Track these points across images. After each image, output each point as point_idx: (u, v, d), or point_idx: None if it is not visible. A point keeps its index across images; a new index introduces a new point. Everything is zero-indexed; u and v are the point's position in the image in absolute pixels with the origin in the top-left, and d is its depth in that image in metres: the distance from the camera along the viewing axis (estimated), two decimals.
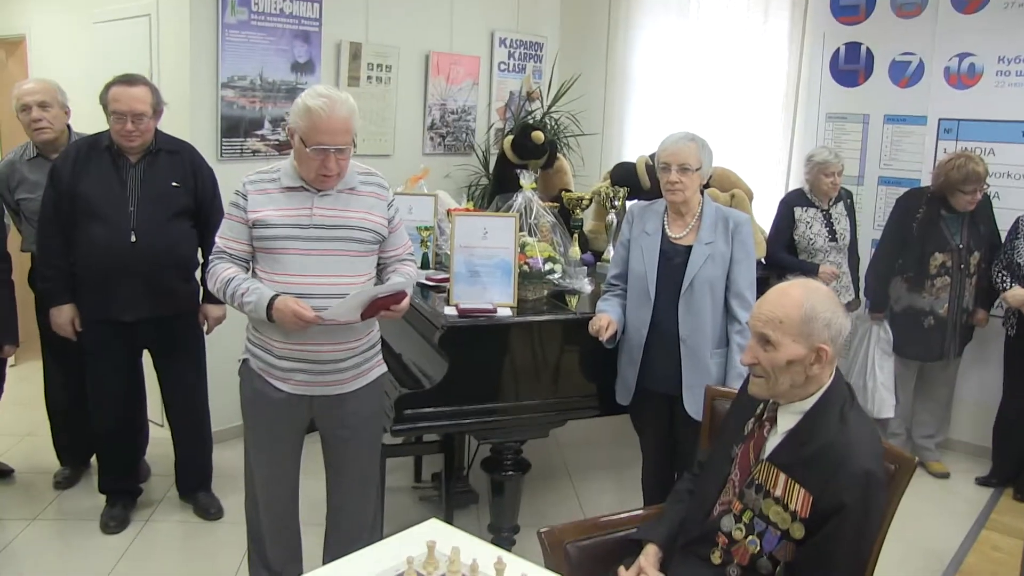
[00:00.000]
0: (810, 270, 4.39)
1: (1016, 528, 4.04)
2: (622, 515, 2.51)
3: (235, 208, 2.63)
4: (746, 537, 2.01)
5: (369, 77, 4.94)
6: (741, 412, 2.21)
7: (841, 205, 4.54)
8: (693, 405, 3.04)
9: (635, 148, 5.68)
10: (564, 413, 3.31)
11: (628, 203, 4.07)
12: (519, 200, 3.49)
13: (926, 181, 4.75)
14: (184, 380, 3.70)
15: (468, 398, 3.12)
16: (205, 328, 3.71)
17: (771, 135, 5.26)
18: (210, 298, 3.63)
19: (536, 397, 3.22)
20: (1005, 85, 4.65)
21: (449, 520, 3.58)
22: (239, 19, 4.23)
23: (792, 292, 2.04)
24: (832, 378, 2.04)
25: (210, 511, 3.81)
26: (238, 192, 2.64)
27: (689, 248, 3.07)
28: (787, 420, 2.05)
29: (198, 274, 3.59)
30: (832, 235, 4.45)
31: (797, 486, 1.95)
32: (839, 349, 2.03)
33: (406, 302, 2.63)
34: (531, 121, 5.64)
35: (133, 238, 3.34)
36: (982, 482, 4.47)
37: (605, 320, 3.08)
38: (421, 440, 3.96)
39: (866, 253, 4.83)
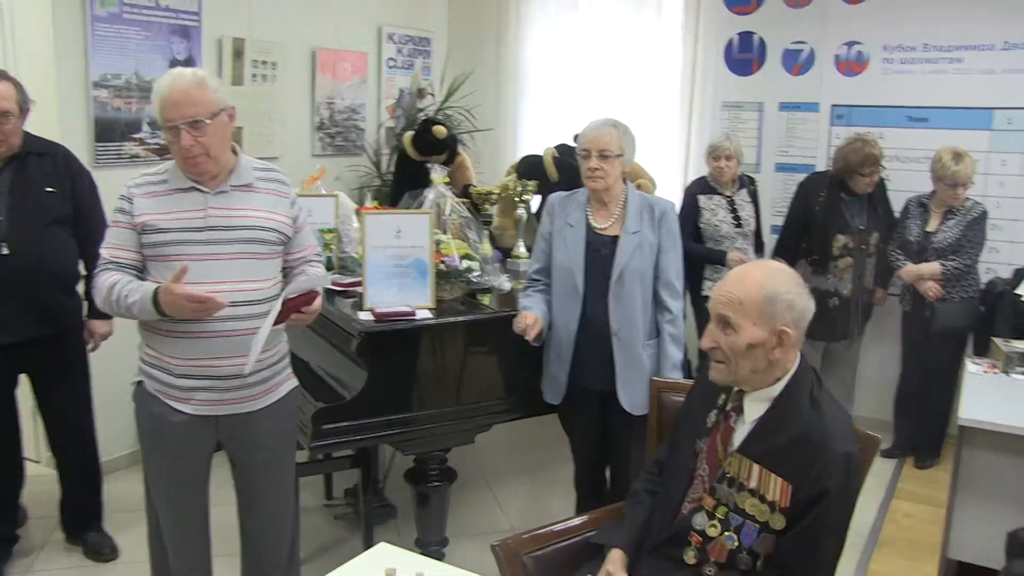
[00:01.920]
0: (718, 257, 4.40)
1: (922, 494, 4.18)
2: (575, 521, 2.37)
3: (120, 214, 2.37)
4: (722, 533, 1.90)
5: (254, 75, 4.65)
6: (701, 404, 2.10)
7: (744, 192, 4.55)
8: (629, 400, 2.94)
9: (530, 142, 5.60)
10: (491, 417, 3.15)
11: (538, 196, 3.97)
12: (430, 196, 3.31)
13: (822, 166, 4.86)
14: (70, 407, 3.34)
15: (390, 407, 2.92)
16: (90, 346, 3.37)
17: (669, 125, 5.24)
18: (95, 313, 3.31)
19: (461, 402, 3.06)
20: (891, 72, 4.79)
21: (369, 537, 3.38)
22: (109, 11, 3.89)
23: (753, 273, 1.95)
24: (798, 363, 1.96)
25: (103, 551, 3.45)
26: (123, 197, 2.37)
27: (615, 238, 2.96)
28: (755, 409, 1.95)
29: (80, 288, 3.26)
30: (737, 221, 4.45)
31: (773, 476, 1.85)
32: (802, 333, 1.94)
33: (318, 302, 2.42)
34: (423, 119, 5.46)
35: (5, 250, 3.00)
36: (886, 454, 4.56)
37: (531, 318, 2.93)
38: (331, 456, 3.72)
39: (767, 239, 4.85)
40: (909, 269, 4.33)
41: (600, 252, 2.97)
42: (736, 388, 2.00)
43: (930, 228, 4.33)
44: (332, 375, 3.15)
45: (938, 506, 3.93)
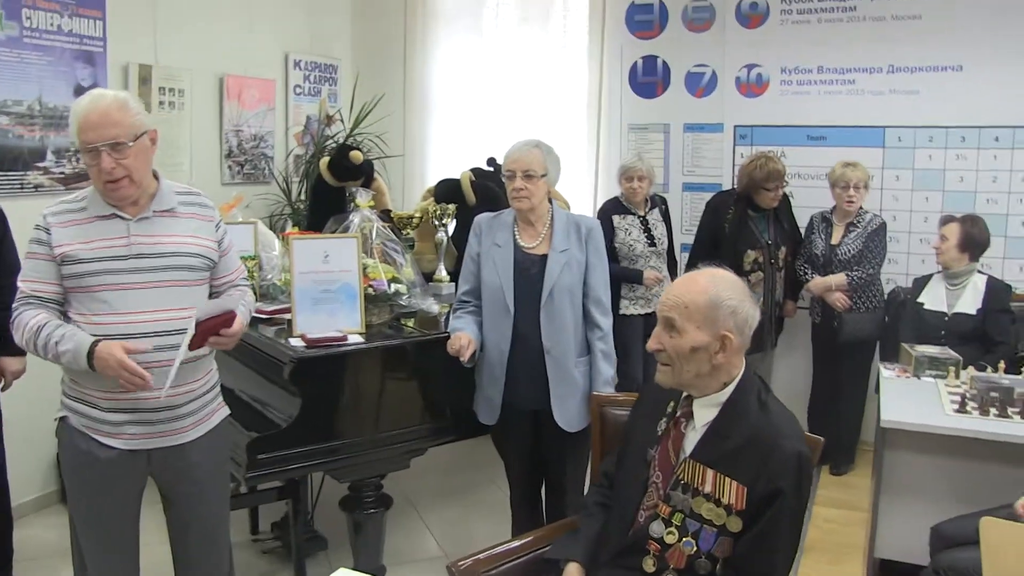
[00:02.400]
0: (634, 276, 4.48)
1: (840, 499, 4.32)
2: (528, 538, 2.38)
3: (38, 245, 2.27)
4: (680, 540, 1.93)
5: (161, 103, 4.54)
6: (649, 413, 2.14)
7: (657, 211, 4.66)
8: (564, 417, 2.96)
9: (439, 167, 5.61)
10: (425, 440, 3.13)
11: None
12: (356, 220, 3.28)
13: (727, 184, 5.02)
14: None
15: (326, 434, 2.88)
16: (1, 385, 3.20)
17: (576, 147, 5.33)
18: (6, 349, 3.15)
19: (397, 426, 3.04)
20: (788, 93, 5.00)
21: (301, 570, 3.31)
22: (8, 35, 3.73)
23: (699, 279, 2.02)
24: (743, 368, 2.02)
25: None
26: (39, 227, 2.28)
27: (543, 257, 3.00)
28: (704, 414, 2.00)
29: None
30: (651, 240, 4.55)
31: (727, 479, 1.90)
32: (746, 339, 2.01)
33: (238, 324, 2.34)
34: (332, 145, 5.42)
35: None
36: None
37: (464, 339, 2.93)
38: (256, 489, 3.62)
39: (678, 257, 4.98)
40: (816, 281, 4.51)
41: (529, 271, 3.00)
42: (684, 395, 2.05)
43: (834, 241, 4.52)
44: (261, 402, 3.08)
45: (856, 509, 4.08)
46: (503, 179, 3.05)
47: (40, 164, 3.94)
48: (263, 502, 3.67)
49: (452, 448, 3.42)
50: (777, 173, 4.47)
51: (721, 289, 1.97)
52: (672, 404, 2.09)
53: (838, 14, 4.81)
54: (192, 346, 2.24)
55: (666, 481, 2.01)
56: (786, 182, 4.58)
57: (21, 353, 3.19)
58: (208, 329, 2.24)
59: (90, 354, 2.17)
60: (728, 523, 1.90)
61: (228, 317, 2.29)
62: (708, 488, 1.93)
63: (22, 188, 3.86)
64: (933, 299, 4.02)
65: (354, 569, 3.07)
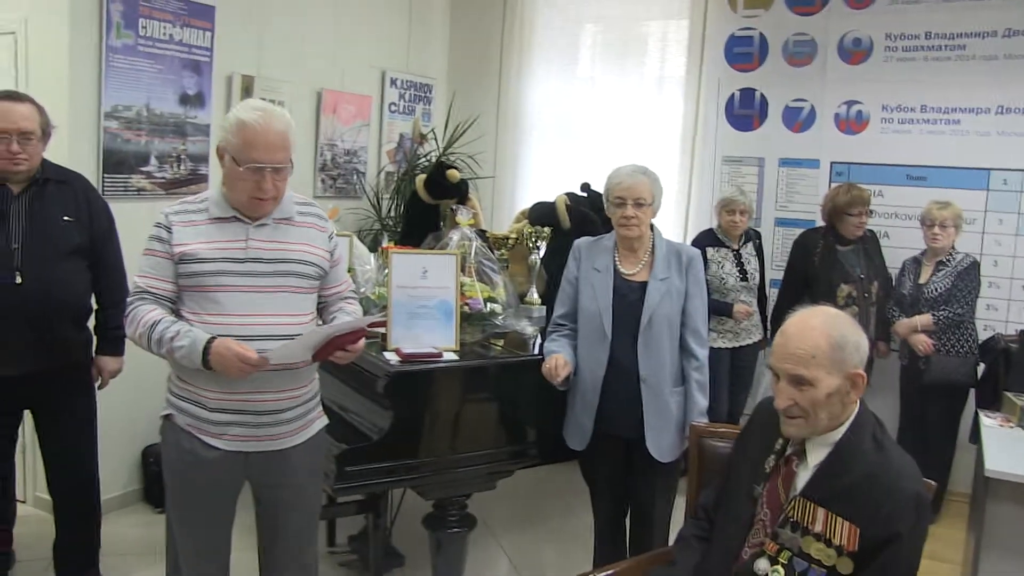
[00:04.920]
0: (724, 309, 4.40)
1: (928, 550, 4.02)
2: (623, 565, 2.33)
3: (157, 242, 2.31)
4: None
5: None
6: (756, 449, 2.08)
7: (751, 245, 4.59)
8: (657, 447, 2.90)
9: (529, 191, 5.64)
10: (512, 462, 3.09)
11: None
12: (455, 238, 3.28)
13: (821, 222, 4.89)
14: (73, 444, 3.20)
15: (415, 450, 2.86)
16: (98, 383, 3.26)
17: (669, 178, 5.25)
18: (104, 348, 3.21)
19: (484, 446, 3.01)
20: (889, 131, 4.88)
21: None
22: (125, 43, 3.85)
23: (811, 323, 1.94)
24: (859, 406, 1.95)
25: None
26: (160, 224, 2.32)
27: (643, 284, 2.95)
28: (817, 453, 1.93)
29: (91, 322, 3.17)
30: (743, 275, 4.48)
31: (840, 519, 1.83)
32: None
33: (363, 342, 2.39)
34: (424, 164, 5.46)
35: (18, 279, 2.90)
36: None
37: (560, 360, 2.89)
38: (335, 501, 3.62)
39: (767, 293, 4.88)
40: (903, 323, 4.39)
41: (628, 298, 2.96)
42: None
43: (922, 280, 4.40)
44: (351, 414, 3.08)
45: (944, 561, 3.91)
46: (611, 206, 2.99)
47: (144, 168, 4.03)
48: (344, 515, 3.66)
49: (531, 473, 3.38)
50: (860, 199, 4.38)
51: (842, 327, 1.92)
52: (781, 441, 2.02)
53: (946, 52, 4.69)
54: (317, 357, 2.30)
55: (775, 518, 1.95)
56: (871, 210, 4.46)
57: (119, 353, 3.26)
58: (340, 344, 2.30)
59: (206, 350, 2.19)
60: (838, 564, 1.83)
61: (358, 335, 2.34)
62: (819, 527, 1.86)
63: (126, 191, 3.95)
64: None
65: None
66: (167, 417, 2.40)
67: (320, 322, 2.52)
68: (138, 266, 2.36)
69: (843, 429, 1.93)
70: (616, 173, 3.02)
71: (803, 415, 1.91)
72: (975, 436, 3.42)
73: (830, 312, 1.98)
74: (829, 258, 4.46)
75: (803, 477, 1.94)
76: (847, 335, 1.90)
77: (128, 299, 2.35)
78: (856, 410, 1.95)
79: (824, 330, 1.90)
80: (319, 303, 2.50)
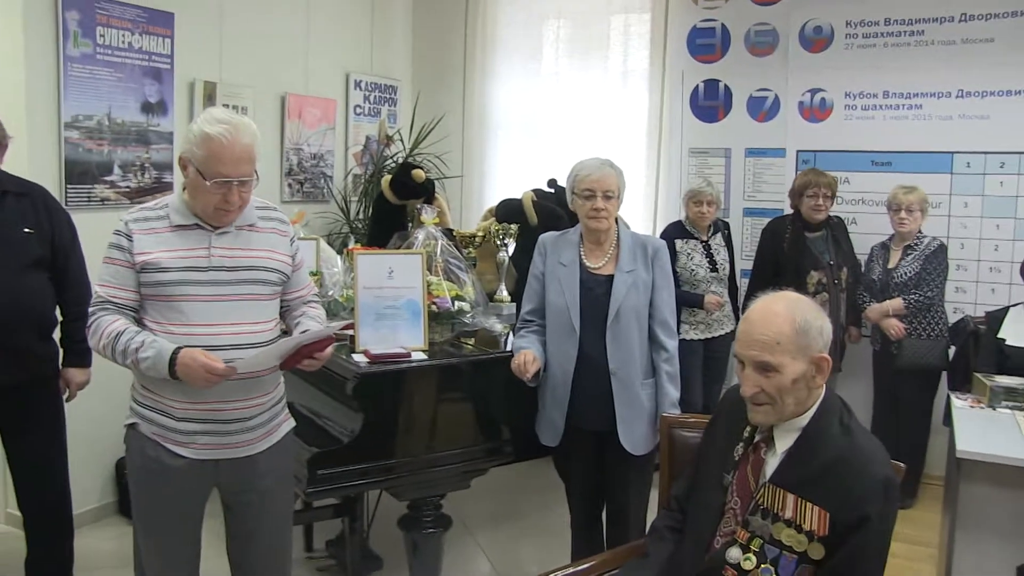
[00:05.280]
0: (695, 300, 4.42)
1: (904, 534, 3.86)
2: (595, 560, 2.33)
3: (117, 251, 2.28)
4: (758, 566, 1.87)
5: None
6: (724, 437, 2.08)
7: (719, 236, 4.61)
8: (629, 439, 2.90)
9: (497, 189, 5.63)
10: (486, 460, 3.08)
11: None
12: (420, 237, 3.27)
13: (789, 211, 4.92)
14: (42, 458, 3.16)
15: (387, 451, 2.85)
16: (66, 396, 3.22)
17: (636, 171, 5.28)
18: (71, 360, 3.17)
19: (457, 445, 2.99)
20: (853, 118, 4.91)
21: None
22: (83, 52, 3.81)
23: (775, 308, 1.93)
24: (824, 390, 1.95)
25: None
26: (119, 232, 2.29)
27: (610, 277, 2.95)
28: (785, 439, 1.93)
29: (56, 334, 3.13)
30: (713, 265, 4.49)
31: (809, 505, 1.83)
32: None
33: (330, 350, 2.39)
34: (391, 165, 5.44)
35: None
36: None
37: (529, 356, 2.89)
38: (311, 505, 3.61)
39: (738, 283, 4.90)
40: (873, 308, 4.43)
41: (594, 291, 2.95)
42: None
43: (891, 265, 4.44)
44: (322, 417, 3.07)
45: (920, 544, 3.95)
46: (578, 199, 2.97)
47: (107, 178, 3.99)
48: (320, 519, 3.65)
49: (506, 471, 3.37)
50: (815, 181, 4.44)
51: (805, 312, 1.91)
52: (749, 429, 2.02)
53: (905, 38, 4.72)
54: (285, 365, 2.29)
55: (744, 506, 1.95)
56: (833, 194, 4.49)
57: (86, 365, 3.22)
58: (307, 352, 2.29)
59: (172, 361, 2.17)
60: (810, 550, 1.83)
61: (325, 343, 2.33)
62: (789, 514, 1.86)
63: (89, 201, 3.91)
64: (1017, 335, 3.88)
65: None
66: (131, 426, 2.37)
67: (283, 326, 2.51)
68: (98, 275, 2.33)
69: (810, 414, 1.93)
70: (583, 166, 3.01)
71: (770, 402, 1.91)
72: (948, 418, 3.44)
73: (791, 297, 1.98)
74: (798, 244, 4.49)
75: (772, 464, 1.94)
76: (810, 319, 1.90)
77: (90, 309, 2.32)
78: (822, 395, 1.95)
79: (788, 315, 1.90)
80: (281, 307, 2.48)
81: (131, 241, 2.26)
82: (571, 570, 2.30)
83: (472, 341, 3.28)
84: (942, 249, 4.38)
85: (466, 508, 4.23)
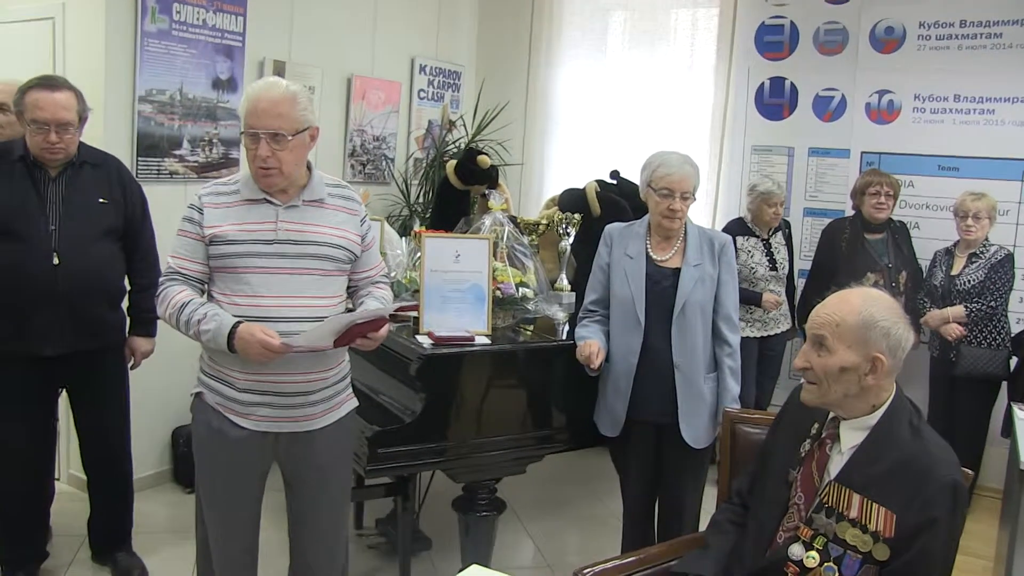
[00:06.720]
0: (754, 299, 4.38)
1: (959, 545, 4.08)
2: (653, 550, 2.34)
3: (189, 224, 2.34)
4: (821, 564, 1.86)
5: None
6: (791, 433, 2.07)
7: (780, 235, 4.57)
8: (691, 433, 2.90)
9: (557, 178, 5.62)
10: (542, 447, 3.10)
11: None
12: (488, 222, 3.29)
13: (850, 212, 4.86)
14: (107, 423, 3.25)
15: (446, 433, 2.87)
16: (131, 364, 3.29)
17: (699, 167, 5.23)
18: (137, 329, 3.24)
19: (516, 431, 3.02)
20: (921, 121, 4.82)
21: (406, 569, 3.29)
22: (159, 28, 3.87)
23: (852, 298, 1.94)
24: (895, 392, 1.94)
25: (132, 573, 3.33)
26: (192, 206, 2.34)
27: (676, 271, 2.94)
28: (851, 437, 1.93)
29: (124, 303, 3.21)
30: (772, 264, 4.46)
31: (875, 505, 1.82)
32: (899, 362, 1.92)
33: (385, 329, 2.38)
34: (453, 151, 5.47)
35: (55, 260, 2.93)
36: None
37: (594, 346, 2.90)
38: (363, 484, 3.64)
39: (796, 283, 4.85)
40: (933, 314, 4.35)
41: (660, 284, 2.95)
42: (831, 416, 1.98)
43: (954, 272, 4.36)
44: (383, 396, 3.10)
45: (975, 556, 3.87)
46: (655, 193, 2.93)
47: (177, 152, 4.06)
48: (372, 497, 3.68)
49: (557, 459, 3.39)
50: (876, 180, 4.39)
51: (875, 309, 1.89)
52: (816, 425, 2.02)
53: (981, 40, 4.62)
54: (338, 343, 2.30)
55: (809, 503, 1.94)
56: (894, 194, 4.43)
57: (151, 334, 3.29)
58: (360, 332, 2.30)
59: (231, 335, 2.21)
60: (874, 550, 1.82)
61: (379, 323, 2.33)
62: (854, 513, 1.85)
63: (159, 174, 3.99)
64: None
65: (461, 572, 3.08)
66: (198, 395, 2.43)
67: (350, 304, 2.54)
68: (171, 246, 2.38)
69: (879, 414, 1.92)
70: (665, 162, 2.96)
71: (816, 381, 1.92)
72: (1007, 429, 3.39)
73: (874, 294, 1.97)
74: (856, 245, 4.45)
75: (837, 461, 1.93)
76: (879, 317, 1.88)
77: (160, 279, 2.38)
78: (892, 395, 1.94)
79: (858, 305, 1.90)
80: (350, 285, 2.51)
81: (202, 214, 2.31)
82: (634, 557, 2.30)
83: (532, 328, 3.29)
84: (1009, 259, 4.30)
85: (515, 494, 4.25)
